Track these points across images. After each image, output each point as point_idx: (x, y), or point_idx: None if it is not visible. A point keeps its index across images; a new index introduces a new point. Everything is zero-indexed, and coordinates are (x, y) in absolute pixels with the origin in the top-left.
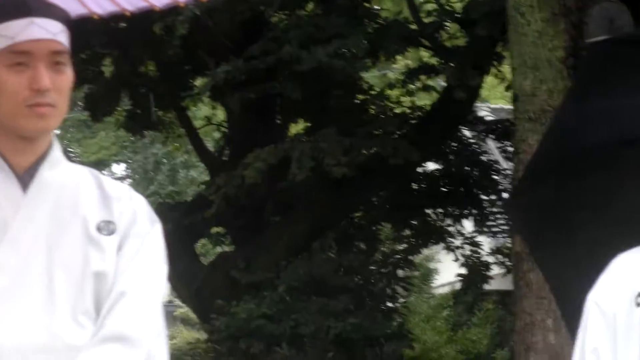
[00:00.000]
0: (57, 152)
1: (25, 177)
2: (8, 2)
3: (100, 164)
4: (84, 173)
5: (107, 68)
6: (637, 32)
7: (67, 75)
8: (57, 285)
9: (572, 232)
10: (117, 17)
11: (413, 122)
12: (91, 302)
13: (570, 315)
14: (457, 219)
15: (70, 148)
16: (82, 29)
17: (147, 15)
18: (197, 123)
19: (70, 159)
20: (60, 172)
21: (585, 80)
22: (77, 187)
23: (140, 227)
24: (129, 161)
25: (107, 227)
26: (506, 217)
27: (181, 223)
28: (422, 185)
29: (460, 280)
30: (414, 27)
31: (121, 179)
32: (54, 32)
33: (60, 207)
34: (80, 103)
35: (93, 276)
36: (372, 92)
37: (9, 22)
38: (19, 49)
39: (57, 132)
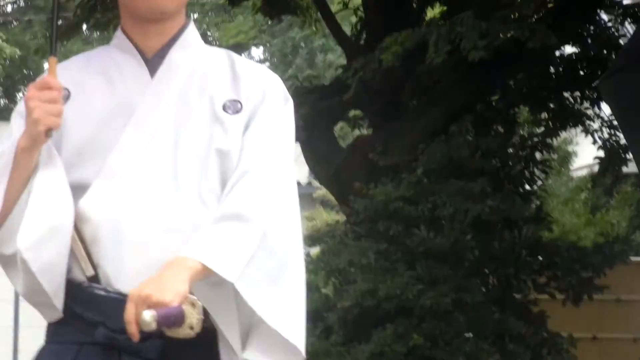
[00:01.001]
0: (190, 34)
1: (154, 59)
2: None
3: (238, 48)
4: (220, 54)
5: None
6: None
7: None
8: (181, 164)
9: None
10: None
11: (550, 5)
12: (216, 180)
13: None
14: (595, 102)
15: (209, 32)
16: None
17: None
18: (334, 7)
19: (208, 43)
20: (192, 54)
21: None
22: (208, 68)
23: (269, 105)
24: (268, 45)
25: (233, 106)
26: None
27: (319, 106)
28: (560, 69)
29: (599, 163)
30: None
31: (259, 62)
32: None
33: (189, 88)
34: None
35: (216, 154)
36: None
37: None
38: None
39: (195, 16)
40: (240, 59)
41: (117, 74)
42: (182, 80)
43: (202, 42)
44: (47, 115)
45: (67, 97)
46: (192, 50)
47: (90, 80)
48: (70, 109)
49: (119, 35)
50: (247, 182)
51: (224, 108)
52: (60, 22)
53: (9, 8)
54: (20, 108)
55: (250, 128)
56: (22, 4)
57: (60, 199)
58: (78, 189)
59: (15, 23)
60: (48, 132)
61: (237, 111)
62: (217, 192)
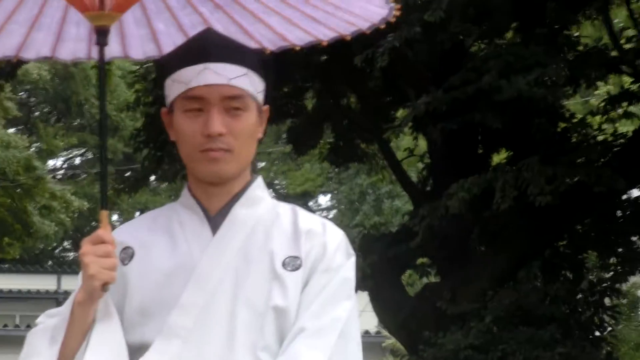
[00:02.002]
0: (255, 190)
1: (217, 217)
2: (187, 49)
3: (306, 196)
4: (284, 209)
5: (309, 101)
6: None
7: (245, 120)
8: (239, 321)
9: None
10: (318, 51)
11: (616, 149)
12: (272, 337)
13: None
14: None
15: (276, 180)
16: (283, 63)
17: (347, 48)
18: (400, 154)
19: (275, 191)
20: (256, 210)
21: None
22: (271, 224)
23: (330, 261)
24: (334, 192)
25: (292, 263)
26: None
27: (386, 254)
28: (627, 212)
29: None
30: (614, 53)
31: (327, 209)
32: (229, 76)
33: (250, 244)
34: (284, 136)
35: (274, 311)
36: (574, 120)
37: (185, 69)
38: (192, 94)
39: (262, 164)
40: (304, 214)
41: (180, 232)
42: (244, 236)
43: (269, 196)
44: (102, 270)
45: (131, 256)
46: (255, 207)
47: (155, 240)
48: (134, 269)
49: (185, 193)
50: (304, 341)
51: (284, 265)
52: (128, 174)
53: (78, 161)
54: None
55: (309, 284)
56: (90, 156)
57: (116, 356)
58: (140, 349)
59: (83, 176)
60: (104, 286)
61: (297, 268)
62: (273, 349)
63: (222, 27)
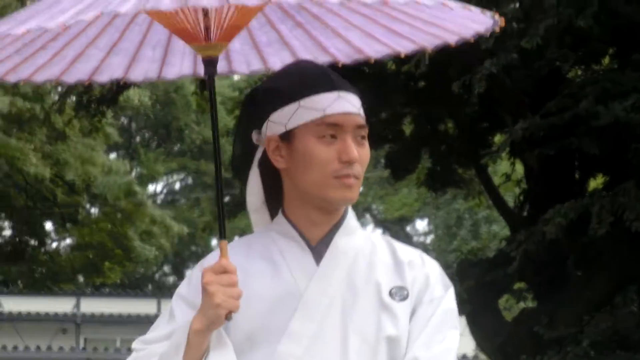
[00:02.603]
0: (352, 220)
1: (319, 247)
2: (314, 77)
3: (403, 220)
4: (378, 239)
5: (407, 127)
6: None
7: (368, 149)
8: (351, 351)
9: None
10: (416, 77)
11: None
12: None
13: None
14: None
15: (374, 205)
16: (382, 88)
17: (445, 74)
18: (497, 179)
19: (373, 216)
20: (355, 240)
21: None
22: (371, 254)
23: (433, 292)
24: (432, 217)
25: (399, 293)
26: None
27: (483, 279)
28: None
29: None
30: None
31: (424, 234)
32: (357, 106)
33: (354, 273)
34: (382, 161)
35: (386, 341)
36: None
37: (319, 95)
38: (330, 121)
39: (360, 189)
40: (399, 245)
41: (281, 260)
42: (347, 266)
43: (360, 226)
44: (227, 299)
45: None
46: (353, 236)
47: (254, 266)
48: None
49: (281, 221)
50: None
51: (391, 295)
52: (227, 199)
53: (177, 186)
54: (182, 292)
55: (417, 315)
56: (190, 181)
57: None
58: None
59: (183, 200)
60: (228, 315)
61: (404, 298)
62: None
63: (300, 43)
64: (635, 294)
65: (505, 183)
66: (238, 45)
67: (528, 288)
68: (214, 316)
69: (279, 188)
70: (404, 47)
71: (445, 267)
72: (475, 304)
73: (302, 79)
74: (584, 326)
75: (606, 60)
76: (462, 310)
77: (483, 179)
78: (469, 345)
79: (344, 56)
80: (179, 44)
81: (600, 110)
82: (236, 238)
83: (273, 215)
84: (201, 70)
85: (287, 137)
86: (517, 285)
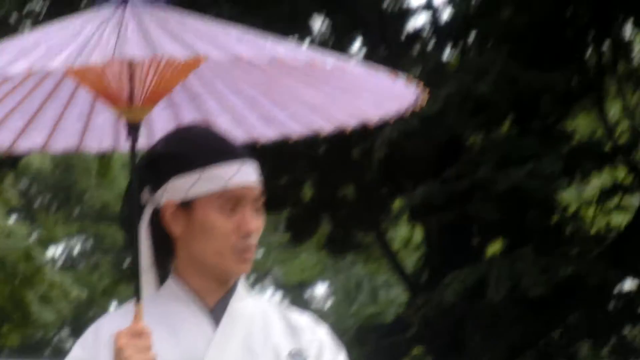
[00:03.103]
0: (243, 283)
1: (216, 311)
2: (215, 144)
3: (303, 285)
4: (268, 303)
5: (307, 191)
6: None
7: (263, 218)
8: None
9: None
10: (317, 142)
11: (609, 241)
12: None
13: None
14: None
15: (275, 269)
16: (283, 153)
17: (345, 140)
18: (396, 244)
19: (273, 280)
20: (248, 304)
21: None
22: (264, 318)
23: (328, 356)
24: (331, 281)
25: (298, 356)
26: None
27: (381, 344)
28: (619, 304)
29: None
30: (608, 146)
31: (323, 299)
32: (257, 175)
33: (251, 338)
34: (282, 225)
35: None
36: (568, 212)
37: (221, 166)
38: (231, 194)
39: (261, 253)
40: (289, 308)
41: (180, 325)
42: (244, 330)
43: (249, 290)
44: None
45: None
46: (246, 301)
47: (154, 331)
48: None
49: (174, 286)
50: None
51: (291, 357)
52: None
53: (77, 249)
54: (77, 355)
55: None
56: (89, 245)
57: None
58: None
59: (82, 264)
60: None
61: None
62: None
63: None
64: (534, 359)
65: (405, 248)
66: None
67: (426, 353)
68: None
69: (169, 251)
70: (324, 127)
71: (344, 332)
72: None
73: (204, 147)
74: None
75: (506, 126)
76: None
77: (382, 244)
78: None
79: (265, 136)
80: (100, 118)
81: (499, 177)
82: (123, 306)
83: (161, 277)
84: (121, 145)
85: (187, 205)
86: (416, 351)
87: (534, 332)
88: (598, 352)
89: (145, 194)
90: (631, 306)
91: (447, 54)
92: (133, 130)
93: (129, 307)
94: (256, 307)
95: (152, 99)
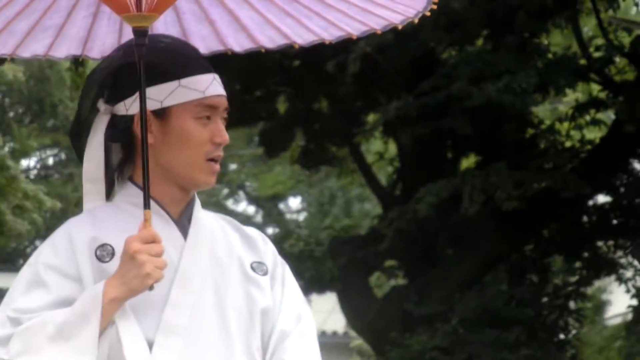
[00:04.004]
0: (197, 197)
1: (181, 220)
2: (192, 57)
3: (276, 198)
4: (219, 217)
5: (281, 105)
6: None
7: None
8: (230, 323)
9: None
10: (290, 56)
11: (583, 155)
12: (260, 338)
13: None
14: (628, 252)
15: (248, 183)
16: (257, 67)
17: (319, 54)
18: (370, 158)
19: (246, 193)
20: (205, 216)
21: None
22: (222, 229)
23: (280, 268)
24: (305, 195)
25: (260, 268)
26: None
27: (355, 256)
28: (593, 218)
29: (632, 311)
30: (583, 61)
31: (297, 212)
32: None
33: (217, 248)
34: (256, 139)
35: (260, 313)
36: (542, 127)
37: (199, 76)
38: (208, 102)
39: (234, 166)
40: (238, 223)
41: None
42: (209, 240)
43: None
44: (156, 269)
45: (111, 253)
46: (203, 212)
47: (125, 237)
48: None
49: (135, 193)
50: (295, 342)
51: (253, 269)
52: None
53: (51, 161)
54: (52, 262)
55: (274, 290)
56: (63, 157)
57: (144, 347)
58: None
59: (56, 176)
60: (152, 284)
61: (265, 273)
62: (260, 349)
63: (251, 21)
64: (505, 273)
65: (378, 162)
66: (194, 25)
67: (399, 266)
68: (140, 286)
69: (130, 160)
70: (331, 36)
71: (318, 244)
72: (346, 282)
73: (181, 59)
74: (453, 304)
75: (480, 42)
76: (333, 287)
77: (356, 158)
78: (340, 323)
79: (269, 41)
80: (102, 23)
81: (473, 91)
82: (84, 213)
83: (109, 186)
84: (92, 53)
85: (162, 114)
86: (388, 263)
87: (507, 246)
88: (571, 266)
89: (102, 104)
90: (605, 220)
91: None
92: (140, 36)
93: (91, 214)
94: (212, 219)
95: (159, 7)
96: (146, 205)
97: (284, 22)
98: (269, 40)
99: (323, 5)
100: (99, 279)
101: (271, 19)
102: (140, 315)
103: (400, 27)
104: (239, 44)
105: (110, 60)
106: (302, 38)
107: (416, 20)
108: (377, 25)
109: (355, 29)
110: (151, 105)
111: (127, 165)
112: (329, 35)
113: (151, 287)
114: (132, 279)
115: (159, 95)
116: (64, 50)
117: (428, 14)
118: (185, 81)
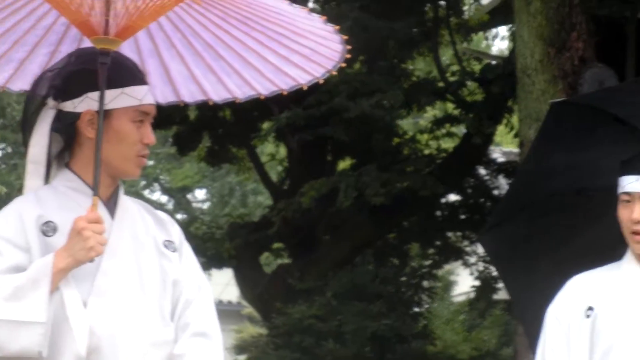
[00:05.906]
0: (122, 184)
1: (109, 203)
2: (132, 70)
3: (185, 190)
4: (134, 200)
5: (192, 112)
6: (593, 95)
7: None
8: (148, 289)
9: (536, 260)
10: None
11: (438, 161)
12: (170, 305)
13: (531, 326)
14: (473, 241)
15: (162, 176)
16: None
17: None
18: (264, 158)
19: (161, 185)
20: (127, 199)
21: (547, 135)
22: (139, 211)
23: (185, 247)
24: (209, 187)
25: (170, 246)
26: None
27: (248, 239)
28: (445, 213)
29: (474, 291)
30: (441, 84)
31: (202, 202)
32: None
33: (137, 227)
34: (170, 140)
35: (172, 284)
36: (406, 137)
37: (138, 87)
38: (143, 109)
39: (151, 162)
40: (150, 206)
41: (82, 211)
42: (130, 220)
43: None
44: (98, 244)
45: (54, 229)
46: (126, 197)
47: (65, 215)
48: (60, 242)
49: (72, 179)
50: (197, 309)
51: (165, 246)
52: None
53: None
54: (4, 234)
55: (181, 264)
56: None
57: (81, 307)
58: None
59: (3, 166)
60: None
61: (175, 250)
62: (171, 313)
63: (203, 76)
64: (372, 256)
65: (271, 161)
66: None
67: (285, 247)
68: (84, 257)
69: (68, 150)
70: (266, 91)
71: (219, 228)
72: (241, 259)
73: (125, 70)
74: (328, 280)
75: (357, 65)
76: (229, 264)
77: (252, 158)
78: (234, 294)
79: (216, 96)
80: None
81: (351, 106)
82: (29, 194)
83: (47, 169)
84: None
85: (104, 114)
86: (276, 245)
87: (374, 234)
88: (426, 252)
89: (52, 101)
90: (455, 215)
91: (310, 3)
92: (105, 56)
93: (36, 195)
94: (131, 202)
95: (124, 33)
96: (95, 192)
97: (206, 78)
98: (190, 95)
99: (243, 63)
100: (45, 251)
101: (197, 74)
102: (78, 281)
103: (305, 87)
104: (164, 97)
105: (62, 65)
106: (218, 95)
107: (322, 81)
108: (285, 85)
109: (265, 89)
110: (95, 106)
111: (66, 153)
112: (242, 93)
113: (92, 260)
114: (78, 251)
115: (104, 99)
116: (19, 84)
117: (335, 73)
118: (127, 90)
